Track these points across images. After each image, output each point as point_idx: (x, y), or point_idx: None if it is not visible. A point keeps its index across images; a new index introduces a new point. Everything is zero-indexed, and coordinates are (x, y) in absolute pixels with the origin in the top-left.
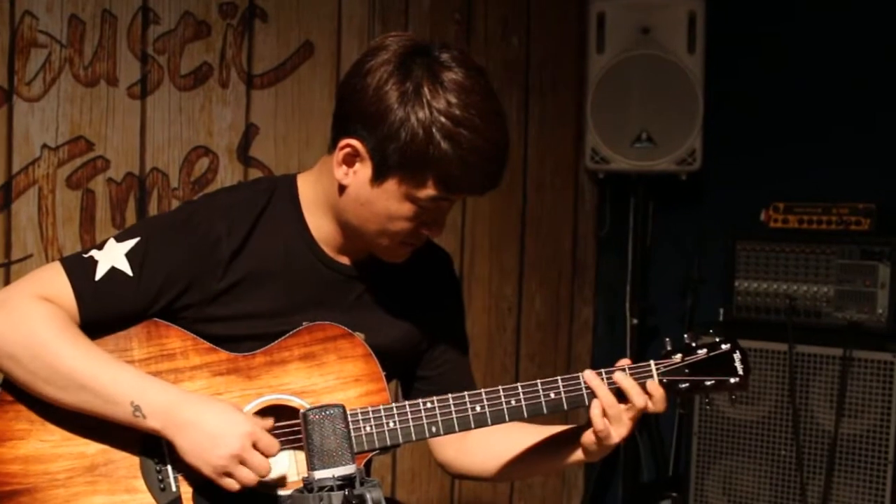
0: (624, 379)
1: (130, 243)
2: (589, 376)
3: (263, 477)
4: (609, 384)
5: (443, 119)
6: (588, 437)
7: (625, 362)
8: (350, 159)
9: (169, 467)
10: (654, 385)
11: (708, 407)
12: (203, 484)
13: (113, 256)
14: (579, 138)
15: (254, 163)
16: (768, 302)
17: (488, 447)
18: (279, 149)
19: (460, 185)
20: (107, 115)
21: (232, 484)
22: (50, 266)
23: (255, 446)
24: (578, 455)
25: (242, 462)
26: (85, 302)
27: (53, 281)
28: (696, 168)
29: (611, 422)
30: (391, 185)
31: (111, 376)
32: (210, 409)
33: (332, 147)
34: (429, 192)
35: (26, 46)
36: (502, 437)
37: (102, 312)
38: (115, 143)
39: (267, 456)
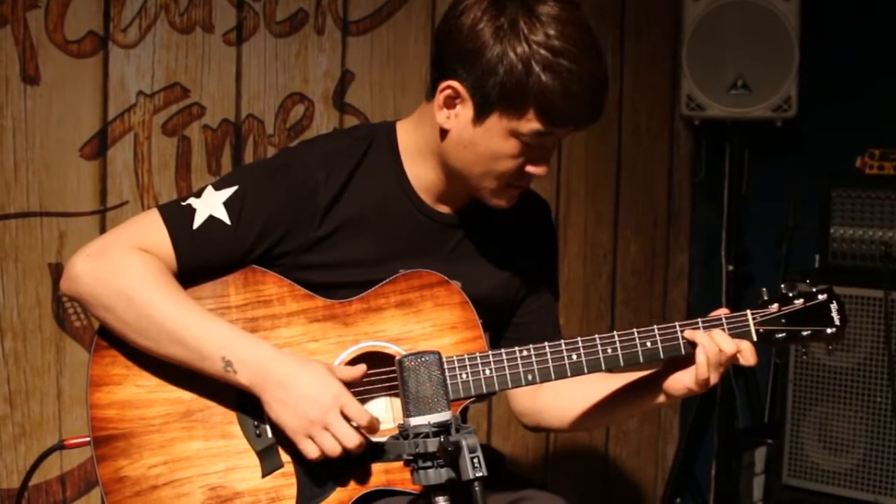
0: (721, 336)
1: (229, 191)
2: (690, 334)
3: (348, 448)
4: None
5: (542, 51)
6: (680, 380)
7: (722, 311)
8: (451, 101)
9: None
10: (745, 342)
11: (805, 357)
12: None
13: (211, 205)
14: (674, 84)
15: (349, 109)
16: (864, 249)
17: (564, 396)
18: (375, 95)
19: (562, 116)
20: (202, 61)
21: (312, 449)
22: (147, 214)
23: (342, 412)
24: (659, 399)
25: (326, 428)
26: (182, 250)
27: (151, 229)
28: (792, 115)
29: (711, 369)
30: (493, 122)
31: (203, 331)
32: (301, 370)
33: (432, 92)
34: (531, 125)
35: None
36: (577, 385)
37: (200, 261)
38: (211, 89)
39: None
